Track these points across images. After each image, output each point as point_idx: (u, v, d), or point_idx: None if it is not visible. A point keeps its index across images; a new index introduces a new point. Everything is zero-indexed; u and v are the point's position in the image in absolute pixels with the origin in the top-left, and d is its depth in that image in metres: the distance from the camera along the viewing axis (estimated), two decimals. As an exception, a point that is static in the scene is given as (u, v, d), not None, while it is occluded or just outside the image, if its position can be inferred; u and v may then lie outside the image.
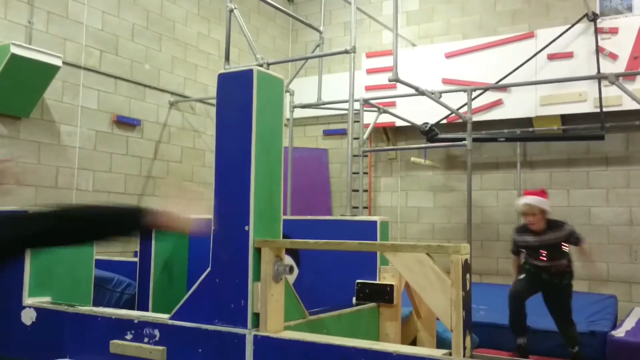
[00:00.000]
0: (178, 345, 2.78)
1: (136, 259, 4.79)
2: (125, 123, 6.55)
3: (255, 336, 2.59)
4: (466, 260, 2.27)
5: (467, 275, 2.29)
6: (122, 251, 6.33)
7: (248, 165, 2.68)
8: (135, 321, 2.93)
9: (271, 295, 2.63)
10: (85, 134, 6.14)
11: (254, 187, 2.67)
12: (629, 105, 6.41)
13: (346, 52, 5.09)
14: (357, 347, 2.37)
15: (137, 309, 4.32)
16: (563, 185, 7.15)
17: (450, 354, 2.24)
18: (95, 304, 3.68)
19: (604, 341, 4.82)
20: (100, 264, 4.13)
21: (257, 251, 2.66)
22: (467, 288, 2.27)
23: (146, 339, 2.87)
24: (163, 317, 2.89)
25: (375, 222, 3.91)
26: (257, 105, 2.69)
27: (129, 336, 2.93)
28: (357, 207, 7.38)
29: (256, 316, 2.63)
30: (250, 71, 2.73)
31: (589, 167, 7.06)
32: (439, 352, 2.27)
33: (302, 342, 2.50)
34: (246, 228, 2.67)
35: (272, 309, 2.62)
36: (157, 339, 2.84)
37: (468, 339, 2.24)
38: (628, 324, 5.19)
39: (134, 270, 4.70)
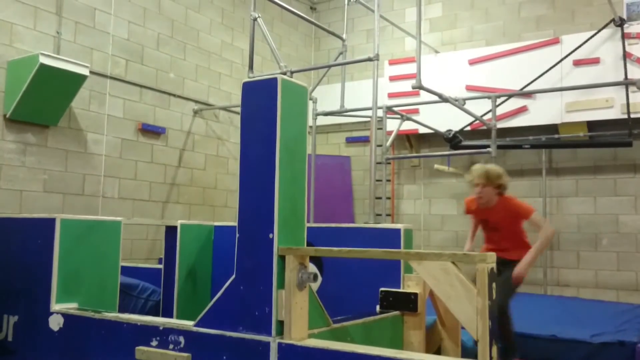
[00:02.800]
0: (203, 352, 2.79)
1: (160, 266, 4.84)
2: (150, 131, 6.63)
3: (279, 344, 2.59)
4: (492, 269, 2.24)
5: (493, 284, 2.26)
6: (147, 258, 6.39)
7: (272, 172, 2.69)
8: (161, 328, 2.95)
9: (295, 302, 2.62)
10: (111, 141, 6.22)
11: (278, 195, 2.68)
12: (658, 111, 6.31)
13: (369, 59, 5.09)
14: (382, 356, 2.35)
15: (162, 316, 4.36)
16: (590, 193, 7.03)
17: (475, 364, 2.21)
18: (121, 311, 3.72)
19: (633, 352, 4.71)
20: (125, 271, 4.18)
21: (282, 259, 2.66)
22: (494, 297, 2.25)
23: (171, 346, 2.88)
24: (188, 323, 2.91)
25: (399, 230, 3.89)
26: (282, 113, 2.70)
27: (154, 343, 2.95)
28: (380, 215, 7.36)
29: (280, 324, 2.63)
30: (275, 80, 2.74)
31: (616, 174, 6.94)
32: (464, 362, 2.24)
33: (327, 350, 2.49)
34: (270, 236, 2.67)
35: (296, 316, 2.62)
36: (182, 345, 2.86)
37: (494, 349, 2.21)
38: (658, 335, 5.07)
39: (159, 276, 4.74)
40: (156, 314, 4.45)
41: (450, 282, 2.25)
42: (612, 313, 5.84)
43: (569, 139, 7.01)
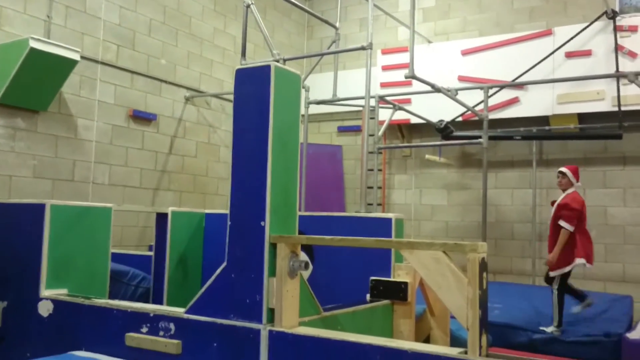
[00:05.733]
0: (193, 339, 2.80)
1: (151, 253, 4.83)
2: (141, 117, 6.59)
3: (270, 331, 2.60)
4: (483, 258, 2.26)
5: (484, 274, 2.27)
6: (137, 245, 6.38)
7: (265, 160, 2.68)
8: (151, 314, 2.95)
9: (286, 290, 2.63)
10: (101, 127, 6.18)
11: (270, 183, 2.67)
12: (648, 104, 6.35)
13: (363, 48, 5.07)
14: (372, 344, 2.36)
15: (152, 303, 4.36)
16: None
17: (465, 353, 2.23)
18: (111, 297, 3.71)
19: (618, 342, 4.77)
20: (115, 258, 4.17)
21: (273, 247, 2.66)
22: (484, 287, 2.26)
23: (161, 333, 2.88)
24: (178, 310, 2.91)
25: (390, 220, 3.90)
26: (275, 100, 2.69)
27: (144, 329, 2.95)
28: (371, 204, 7.37)
29: (271, 311, 2.64)
30: (268, 67, 2.72)
31: (606, 167, 6.99)
32: (454, 351, 2.25)
33: (317, 338, 2.50)
34: (262, 223, 2.67)
35: (287, 304, 2.62)
36: (172, 332, 2.86)
37: (484, 337, 2.23)
38: (644, 326, 5.14)
39: (149, 263, 4.73)
40: (146, 301, 4.45)
41: (441, 272, 2.26)
42: (599, 303, 5.90)
43: (559, 130, 7.04)
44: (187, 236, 4.61)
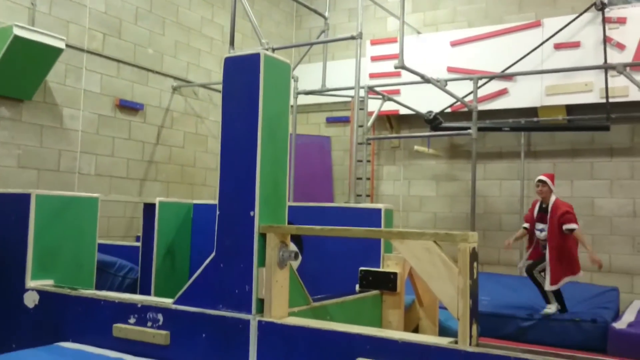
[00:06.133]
0: (182, 330, 2.77)
1: (138, 244, 4.79)
2: (128, 107, 6.52)
3: (259, 322, 2.58)
4: (474, 248, 2.25)
5: (475, 264, 2.27)
6: (124, 236, 6.33)
7: (254, 150, 2.65)
8: (139, 305, 2.92)
9: (276, 281, 2.61)
10: (87, 117, 6.10)
11: (259, 172, 2.65)
12: (636, 96, 6.39)
13: (352, 38, 5.04)
14: (362, 334, 2.35)
15: (140, 294, 4.32)
16: (567, 176, 7.11)
17: (456, 342, 2.22)
18: (98, 288, 3.67)
19: (604, 331, 4.82)
20: (102, 248, 4.12)
21: (262, 237, 2.64)
22: (475, 277, 2.25)
23: (149, 323, 2.86)
24: (167, 301, 2.88)
25: (379, 210, 3.89)
26: (264, 89, 2.66)
27: (132, 320, 2.92)
28: (360, 195, 7.36)
29: (260, 302, 2.62)
30: (257, 55, 2.69)
31: (593, 158, 7.03)
32: (444, 340, 2.25)
33: (307, 328, 2.48)
34: (251, 213, 2.64)
35: (276, 294, 2.60)
36: (160, 323, 2.83)
37: (474, 327, 2.23)
38: (629, 316, 5.19)
39: (136, 254, 4.69)
40: (133, 292, 4.41)
41: (432, 261, 2.25)
42: (586, 294, 5.95)
43: (548, 122, 7.06)
44: (175, 227, 4.57)
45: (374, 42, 8.17)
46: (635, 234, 6.71)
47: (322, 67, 6.84)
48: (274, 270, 2.61)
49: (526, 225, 5.43)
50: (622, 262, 6.73)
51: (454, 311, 2.23)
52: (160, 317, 2.84)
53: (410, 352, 2.23)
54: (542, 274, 5.16)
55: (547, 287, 5.08)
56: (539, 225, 5.24)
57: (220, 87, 8.16)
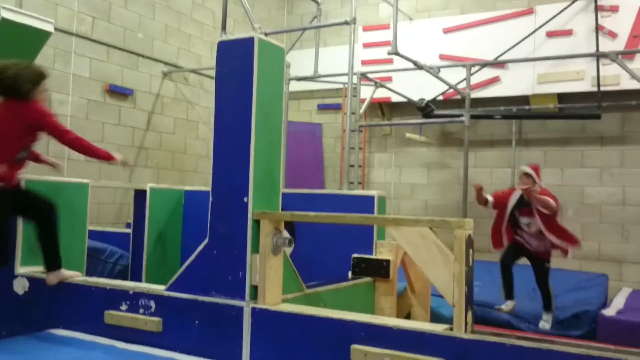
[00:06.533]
0: (174, 317, 2.75)
1: (129, 230, 4.75)
2: (118, 92, 6.44)
3: (253, 309, 2.57)
4: (470, 235, 2.24)
5: (470, 251, 2.26)
6: (115, 222, 6.28)
7: (248, 135, 2.63)
8: (131, 292, 2.89)
9: (270, 267, 2.60)
10: (77, 102, 6.02)
11: (253, 158, 2.62)
12: (627, 84, 6.39)
13: (346, 23, 4.99)
14: (357, 320, 2.35)
15: (131, 280, 4.30)
16: (557, 164, 7.13)
17: (451, 329, 2.22)
18: (88, 275, 3.64)
19: (594, 319, 4.85)
20: (92, 235, 4.09)
21: (256, 223, 2.62)
22: (470, 264, 2.25)
23: (141, 310, 2.84)
24: (159, 288, 2.86)
25: (372, 197, 3.88)
26: (258, 74, 2.63)
27: (124, 307, 2.90)
28: (352, 183, 7.34)
29: (254, 289, 2.61)
30: (252, 39, 2.65)
31: (583, 146, 7.04)
32: (439, 327, 2.25)
33: (301, 315, 2.47)
34: (245, 200, 2.62)
35: (270, 281, 2.59)
36: (152, 310, 2.81)
37: (469, 314, 2.23)
38: (618, 303, 5.22)
39: (127, 241, 4.66)
40: (124, 279, 4.38)
41: (428, 248, 2.25)
42: (576, 281, 5.99)
43: (539, 110, 7.06)
44: (166, 213, 4.54)
45: (366, 29, 8.12)
46: (624, 222, 6.75)
47: (314, 53, 6.79)
48: (268, 256, 2.60)
49: (491, 199, 5.09)
50: (611, 250, 6.77)
51: (449, 298, 2.23)
52: (152, 303, 2.82)
53: (405, 338, 2.23)
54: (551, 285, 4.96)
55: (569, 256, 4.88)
56: (524, 219, 4.95)
57: (211, 72, 8.06)
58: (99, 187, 5.88)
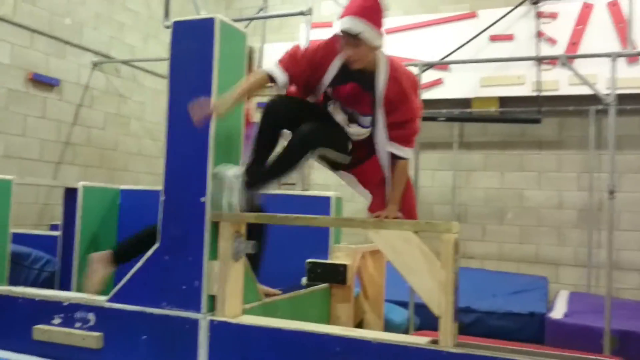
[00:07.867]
0: (117, 331, 2.43)
1: (56, 233, 4.31)
2: (43, 82, 5.90)
3: (211, 321, 2.29)
4: (456, 239, 2.06)
5: (456, 257, 2.09)
6: (37, 224, 5.76)
7: (206, 126, 2.35)
8: (65, 304, 2.54)
9: (230, 275, 2.32)
10: (-5, 92, 5.47)
11: (212, 154, 2.35)
12: (565, 90, 6.53)
13: (302, 13, 4.75)
14: (331, 334, 2.12)
15: (59, 289, 3.87)
16: (498, 168, 7.19)
17: (435, 342, 2.04)
18: (11, 283, 3.23)
19: (541, 322, 4.85)
20: (13, 238, 3.64)
21: (215, 226, 2.34)
22: (456, 270, 2.07)
23: (78, 324, 2.49)
24: (99, 299, 2.52)
25: (329, 198, 3.68)
26: (220, 57, 2.36)
27: (56, 321, 2.55)
28: (293, 184, 7.11)
29: (212, 299, 2.33)
30: (212, 20, 2.38)
31: (523, 150, 7.13)
32: (423, 340, 2.06)
33: (268, 328, 2.22)
34: (202, 200, 2.35)
35: (230, 291, 2.32)
36: (92, 324, 2.47)
37: (455, 325, 2.05)
38: (562, 306, 5.26)
39: (53, 245, 4.21)
40: (51, 287, 3.95)
41: (412, 254, 2.05)
42: (517, 284, 6.03)
43: (481, 113, 7.09)
44: (100, 214, 4.14)
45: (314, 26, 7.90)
46: (561, 225, 6.88)
47: (257, 49, 6.48)
48: (228, 263, 2.33)
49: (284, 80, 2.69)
50: (549, 253, 6.88)
51: (434, 307, 2.04)
52: (91, 316, 2.48)
53: (386, 353, 2.02)
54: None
55: None
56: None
57: (145, 65, 7.56)
58: (22, 185, 5.34)
